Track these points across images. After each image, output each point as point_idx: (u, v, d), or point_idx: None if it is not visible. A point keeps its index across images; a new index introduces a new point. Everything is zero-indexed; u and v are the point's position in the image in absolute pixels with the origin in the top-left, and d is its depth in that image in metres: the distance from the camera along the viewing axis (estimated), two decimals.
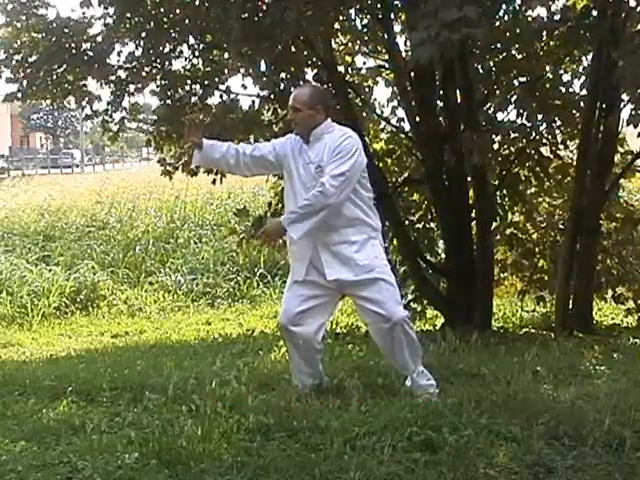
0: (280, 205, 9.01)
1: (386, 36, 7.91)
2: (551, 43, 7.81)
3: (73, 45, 8.18)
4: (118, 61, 8.29)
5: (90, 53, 8.20)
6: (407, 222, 8.60)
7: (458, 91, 7.59)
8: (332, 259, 4.30)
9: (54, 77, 8.36)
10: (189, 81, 8.49)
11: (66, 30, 8.22)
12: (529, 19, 7.59)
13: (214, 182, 9.20)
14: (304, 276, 4.36)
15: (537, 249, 8.98)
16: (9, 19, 8.36)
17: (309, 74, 8.30)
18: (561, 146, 8.26)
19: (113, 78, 8.23)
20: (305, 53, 8.08)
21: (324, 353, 4.71)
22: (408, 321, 4.38)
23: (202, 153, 4.49)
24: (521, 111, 7.61)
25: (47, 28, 8.26)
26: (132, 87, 8.36)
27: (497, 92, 7.97)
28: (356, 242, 4.30)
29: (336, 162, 4.22)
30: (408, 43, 7.55)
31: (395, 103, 8.81)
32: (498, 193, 8.41)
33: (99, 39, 8.20)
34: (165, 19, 8.03)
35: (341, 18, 8.14)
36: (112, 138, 9.16)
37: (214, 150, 4.50)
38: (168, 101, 8.43)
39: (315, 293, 4.37)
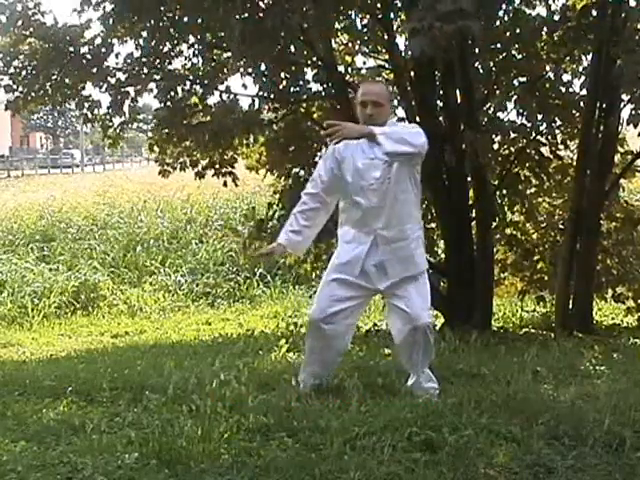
0: (280, 205, 9.03)
1: (386, 36, 7.91)
2: (551, 42, 7.80)
3: (71, 49, 8.18)
4: (117, 64, 8.28)
5: (88, 56, 8.20)
6: None
7: (458, 91, 7.58)
8: (392, 258, 4.26)
9: (53, 82, 8.36)
10: (189, 81, 8.49)
11: (63, 34, 8.22)
12: (529, 18, 7.60)
13: (225, 184, 9.22)
14: (357, 275, 4.28)
15: (537, 250, 8.98)
16: (7, 28, 8.38)
17: (309, 74, 8.32)
18: (561, 146, 8.26)
19: (112, 81, 8.23)
20: (305, 53, 8.08)
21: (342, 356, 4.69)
22: (431, 327, 4.38)
23: (290, 250, 4.52)
24: (521, 111, 7.61)
25: (45, 34, 8.27)
26: (131, 90, 8.36)
27: (497, 92, 7.97)
28: (413, 239, 4.32)
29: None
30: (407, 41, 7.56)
31: (395, 103, 8.80)
32: (498, 193, 8.41)
33: (98, 41, 8.20)
34: (165, 18, 8.03)
35: (341, 18, 8.14)
36: (112, 144, 9.17)
37: (293, 238, 4.42)
38: (168, 102, 8.43)
39: (352, 294, 4.34)
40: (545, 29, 7.62)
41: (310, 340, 4.49)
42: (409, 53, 7.76)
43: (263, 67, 7.87)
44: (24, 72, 8.39)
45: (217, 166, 9.00)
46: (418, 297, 4.28)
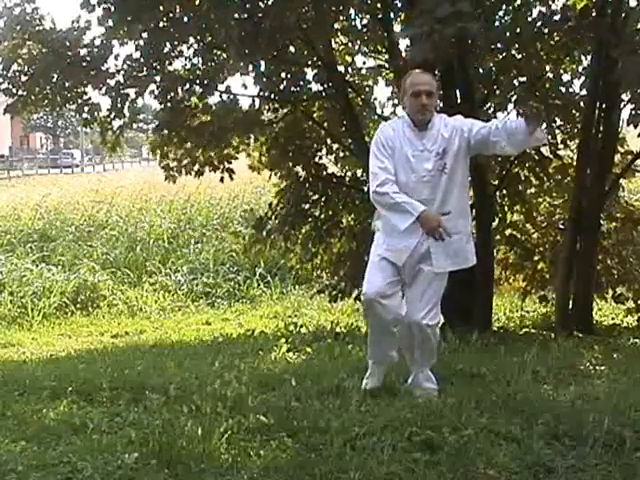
0: (280, 205, 9.03)
1: (386, 36, 7.91)
2: (551, 43, 7.79)
3: (70, 53, 8.17)
4: (116, 65, 8.28)
5: (88, 59, 8.19)
6: None
7: (458, 91, 7.58)
8: (441, 252, 4.22)
9: (53, 86, 8.35)
10: (189, 81, 8.48)
11: (62, 38, 8.21)
12: (529, 20, 7.58)
13: (222, 180, 9.23)
14: (403, 262, 4.24)
15: (537, 250, 8.98)
16: (6, 33, 8.38)
17: (309, 74, 8.31)
18: (561, 146, 8.25)
19: (112, 83, 8.22)
20: (305, 53, 8.08)
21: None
22: (430, 326, 4.29)
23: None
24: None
25: (44, 38, 8.26)
26: (131, 91, 8.35)
27: (497, 92, 7.96)
28: (466, 234, 4.32)
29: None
30: (407, 42, 7.55)
31: (395, 102, 8.81)
32: (498, 193, 8.40)
33: (97, 42, 8.19)
34: (165, 19, 8.02)
35: (341, 18, 8.14)
36: (111, 149, 9.18)
37: None
38: (168, 103, 8.42)
39: (396, 272, 4.28)
40: (545, 30, 7.60)
41: (369, 320, 4.40)
42: (410, 55, 7.80)
43: (263, 67, 7.86)
44: (23, 76, 8.38)
45: (215, 162, 9.01)
46: (422, 293, 4.26)
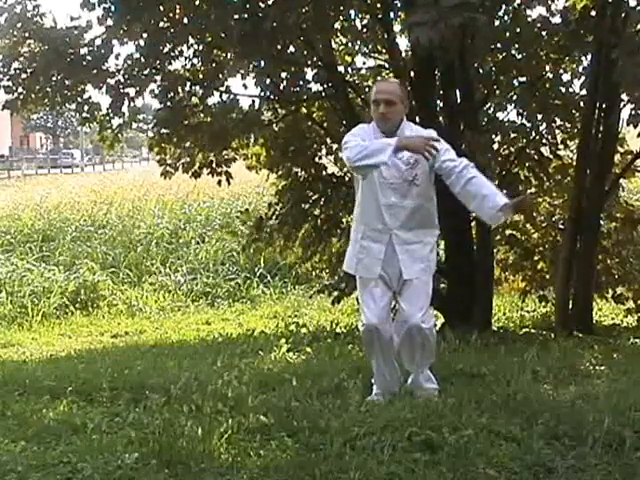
0: (280, 205, 9.03)
1: (386, 36, 7.91)
2: (551, 43, 7.79)
3: (71, 51, 8.17)
4: (117, 65, 8.27)
5: (88, 57, 8.18)
6: None
7: (458, 91, 7.58)
8: (408, 258, 4.25)
9: (53, 84, 8.35)
10: (189, 82, 8.48)
11: (63, 36, 8.21)
12: (529, 21, 7.59)
13: (219, 183, 9.21)
14: (379, 272, 4.26)
15: (537, 250, 8.98)
16: (6, 30, 8.38)
17: (309, 74, 8.31)
18: (561, 146, 8.25)
19: (112, 82, 8.21)
20: (305, 53, 8.07)
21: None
22: (429, 328, 4.31)
23: None
24: (521, 111, 7.60)
25: (44, 36, 8.25)
26: (131, 91, 8.35)
27: (497, 92, 7.96)
28: (428, 243, 4.33)
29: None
30: (408, 42, 7.54)
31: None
32: None
33: (98, 42, 8.18)
34: (165, 19, 8.02)
35: (341, 18, 8.14)
36: (110, 146, 9.18)
37: None
38: (168, 103, 8.42)
39: (384, 289, 4.31)
40: (545, 32, 7.60)
41: (371, 349, 4.39)
42: (409, 53, 7.80)
43: (262, 67, 7.85)
44: (24, 74, 8.38)
45: (214, 165, 9.00)
46: (416, 297, 4.28)
